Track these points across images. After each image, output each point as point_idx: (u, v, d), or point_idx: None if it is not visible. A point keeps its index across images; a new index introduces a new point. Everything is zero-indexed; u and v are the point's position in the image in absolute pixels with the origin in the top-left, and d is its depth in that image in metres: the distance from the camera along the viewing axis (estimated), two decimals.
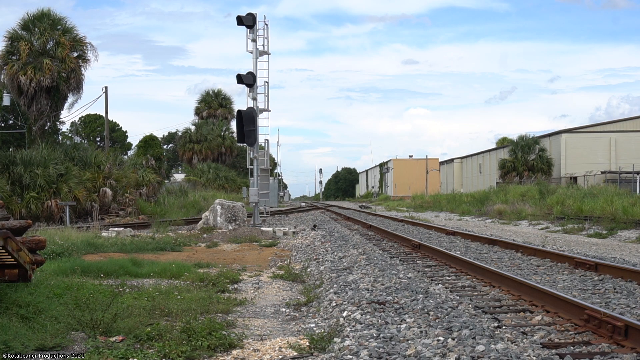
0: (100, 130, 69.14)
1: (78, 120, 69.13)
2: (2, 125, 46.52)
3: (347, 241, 16.64)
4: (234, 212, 23.40)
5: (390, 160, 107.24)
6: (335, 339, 6.24)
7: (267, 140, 25.92)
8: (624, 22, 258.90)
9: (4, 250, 6.13)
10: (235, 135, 49.22)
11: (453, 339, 5.68)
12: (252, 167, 24.82)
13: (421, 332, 6.07)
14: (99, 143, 64.27)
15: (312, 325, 7.37)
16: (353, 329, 6.42)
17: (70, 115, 51.81)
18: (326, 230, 22.38)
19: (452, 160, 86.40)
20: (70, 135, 62.84)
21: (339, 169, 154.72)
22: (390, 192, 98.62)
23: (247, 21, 24.25)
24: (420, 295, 7.85)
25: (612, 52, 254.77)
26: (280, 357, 5.97)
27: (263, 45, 24.80)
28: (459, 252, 13.04)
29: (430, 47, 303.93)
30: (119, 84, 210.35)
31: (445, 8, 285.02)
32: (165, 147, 79.30)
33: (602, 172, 47.45)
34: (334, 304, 8.07)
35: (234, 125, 62.56)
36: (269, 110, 25.06)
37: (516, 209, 32.21)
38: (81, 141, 58.65)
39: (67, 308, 6.99)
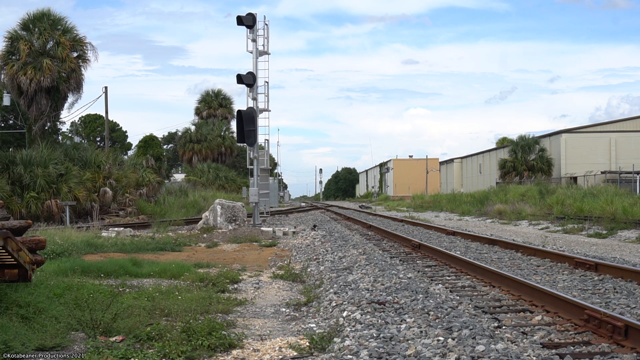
0: (100, 130, 69.13)
1: (78, 120, 69.17)
2: (2, 125, 46.53)
3: (347, 241, 16.63)
4: (234, 212, 23.39)
5: (390, 160, 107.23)
6: (335, 339, 6.24)
7: (267, 140, 25.97)
8: (624, 22, 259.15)
9: (4, 250, 6.13)
10: (235, 135, 49.20)
11: (453, 339, 5.68)
12: (252, 167, 24.83)
13: (421, 332, 6.06)
14: (99, 143, 64.26)
15: (312, 325, 7.37)
16: (353, 329, 6.42)
17: (70, 115, 51.90)
18: (326, 230, 22.38)
19: (452, 160, 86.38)
20: (70, 135, 62.81)
21: (339, 169, 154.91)
22: (390, 192, 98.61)
23: (247, 21, 24.25)
24: (420, 295, 7.84)
25: (612, 52, 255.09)
26: (280, 357, 5.97)
27: (263, 45, 24.80)
28: (459, 252, 13.03)
29: (430, 47, 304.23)
30: (119, 84, 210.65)
31: (445, 8, 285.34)
32: (165, 147, 79.28)
33: (602, 172, 47.46)
34: (334, 304, 8.07)
35: (234, 125, 62.64)
36: (269, 110, 25.09)
37: (516, 209, 32.21)
38: (81, 141, 58.58)
39: (67, 308, 6.99)
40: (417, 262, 12.08)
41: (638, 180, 40.35)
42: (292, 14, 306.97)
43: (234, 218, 23.24)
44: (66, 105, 34.83)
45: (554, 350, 5.50)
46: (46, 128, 34.39)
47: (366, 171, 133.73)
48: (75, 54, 33.81)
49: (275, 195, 50.39)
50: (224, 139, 64.55)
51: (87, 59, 34.13)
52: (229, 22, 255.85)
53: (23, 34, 33.09)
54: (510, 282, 8.54)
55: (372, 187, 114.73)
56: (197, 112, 70.30)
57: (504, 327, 6.41)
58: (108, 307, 6.87)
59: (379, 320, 6.62)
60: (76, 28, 34.02)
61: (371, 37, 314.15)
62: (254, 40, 24.63)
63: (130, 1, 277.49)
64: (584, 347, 5.68)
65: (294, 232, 22.10)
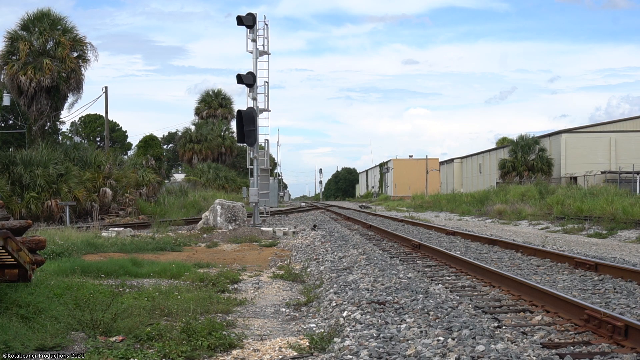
0: (100, 130, 69.13)
1: (78, 120, 69.13)
2: (2, 125, 46.51)
3: (347, 241, 16.63)
4: (234, 212, 23.40)
5: (390, 160, 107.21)
6: (335, 339, 6.24)
7: (267, 140, 25.98)
8: (624, 22, 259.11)
9: (4, 250, 6.13)
10: (235, 135, 49.21)
11: (453, 339, 5.68)
12: (252, 167, 24.83)
13: (421, 332, 6.06)
14: (99, 143, 64.26)
15: (312, 325, 7.37)
16: (353, 329, 6.41)
17: (70, 115, 51.95)
18: (326, 230, 22.38)
19: (452, 160, 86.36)
20: (70, 135, 62.76)
21: (339, 169, 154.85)
22: (390, 192, 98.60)
23: (247, 21, 24.26)
24: (420, 295, 7.84)
25: (612, 52, 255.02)
26: (280, 357, 5.97)
27: (263, 45, 24.81)
28: (459, 252, 13.03)
29: (430, 47, 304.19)
30: (119, 84, 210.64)
31: (445, 8, 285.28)
32: (165, 147, 79.25)
33: (602, 172, 47.45)
34: (334, 304, 8.07)
35: (234, 125, 62.64)
36: (269, 110, 25.10)
37: (516, 209, 32.21)
38: (81, 141, 58.56)
39: (67, 308, 6.99)
40: (417, 262, 12.08)
41: (638, 180, 40.34)
42: (292, 14, 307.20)
43: (234, 218, 23.25)
44: (66, 105, 34.90)
45: (554, 350, 5.50)
46: (46, 128, 34.40)
47: (366, 171, 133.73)
48: (75, 54, 33.83)
49: (275, 195, 50.39)
50: (224, 139, 64.56)
51: (87, 59, 34.18)
52: (229, 22, 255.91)
53: (23, 34, 33.10)
54: (510, 282, 8.54)
55: (372, 187, 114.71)
56: (197, 112, 70.32)
57: (504, 327, 6.41)
58: (108, 307, 6.87)
59: (379, 320, 6.62)
60: (76, 28, 34.11)
61: (371, 37, 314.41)
62: (254, 40, 24.64)
63: (130, 1, 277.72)
64: (584, 347, 5.68)
65: (294, 232, 22.10)
